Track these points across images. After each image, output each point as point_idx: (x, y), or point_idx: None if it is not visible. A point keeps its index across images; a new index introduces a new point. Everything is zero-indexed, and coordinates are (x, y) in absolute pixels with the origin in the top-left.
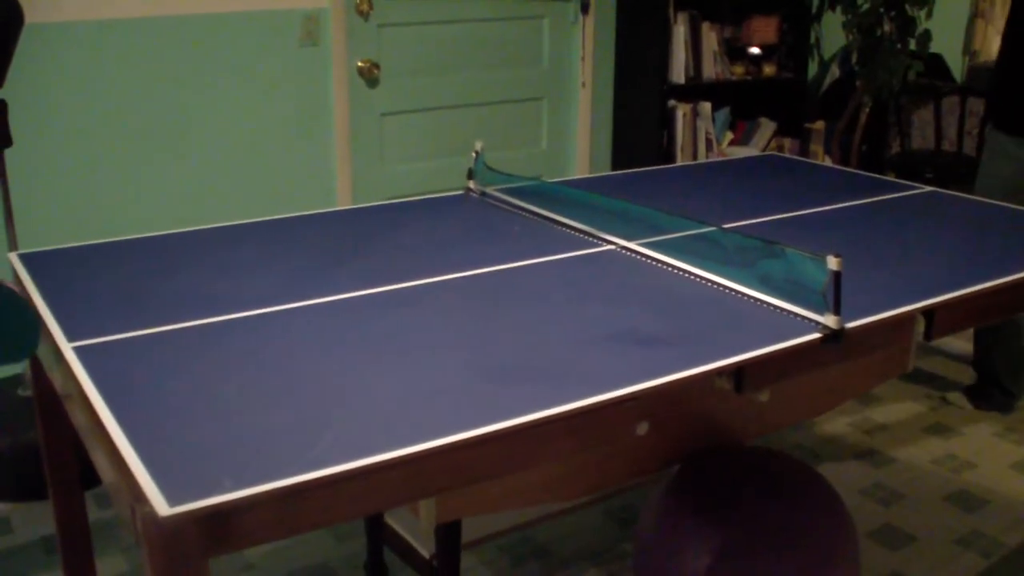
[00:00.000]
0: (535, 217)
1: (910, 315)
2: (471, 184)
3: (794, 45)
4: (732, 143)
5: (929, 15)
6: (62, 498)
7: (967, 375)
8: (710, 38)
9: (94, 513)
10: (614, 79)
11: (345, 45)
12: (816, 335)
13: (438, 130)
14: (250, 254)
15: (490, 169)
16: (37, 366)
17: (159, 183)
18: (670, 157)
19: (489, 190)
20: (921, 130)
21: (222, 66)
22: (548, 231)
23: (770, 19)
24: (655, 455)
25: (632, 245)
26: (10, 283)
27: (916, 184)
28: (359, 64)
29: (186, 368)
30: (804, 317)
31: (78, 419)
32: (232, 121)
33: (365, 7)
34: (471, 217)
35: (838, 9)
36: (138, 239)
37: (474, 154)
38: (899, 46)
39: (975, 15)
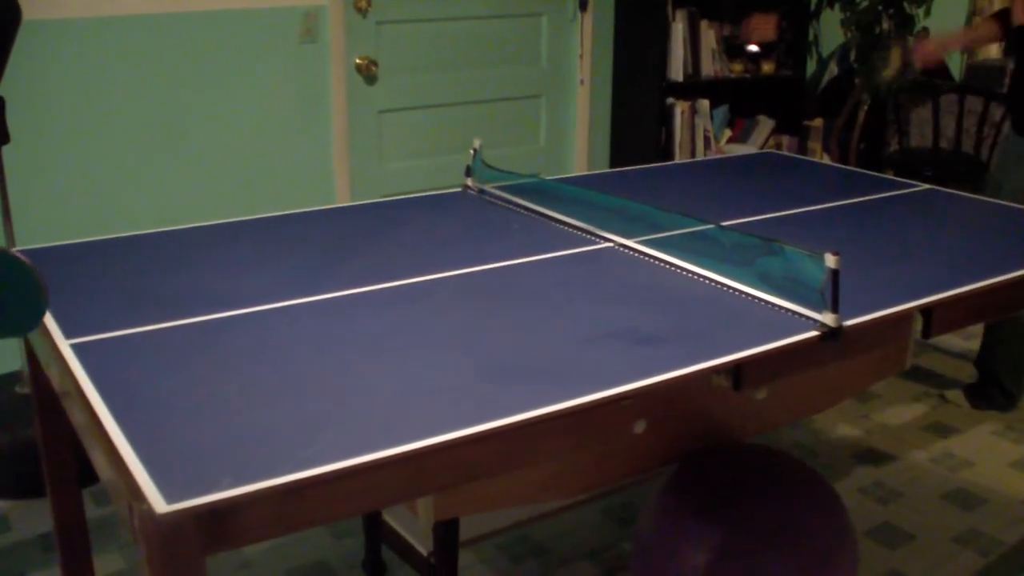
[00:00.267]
0: (533, 215)
1: (908, 313)
2: (469, 181)
3: (793, 43)
4: (730, 141)
5: (927, 13)
6: (60, 496)
7: (965, 373)
8: (709, 36)
9: (92, 511)
10: (612, 76)
11: (343, 42)
12: (814, 333)
13: (436, 127)
14: (248, 251)
15: (488, 167)
16: (35, 363)
17: (157, 180)
18: (668, 155)
19: (487, 187)
20: (919, 128)
21: (220, 63)
22: (546, 229)
23: (769, 17)
24: (653, 453)
25: (630, 243)
26: (16, 251)
27: (914, 182)
28: (357, 61)
29: (184, 365)
30: (802, 315)
31: (76, 417)
32: (230, 118)
33: (363, 4)
34: (469, 215)
35: (837, 7)
36: (135, 236)
37: (472, 151)
38: None
39: (973, 13)
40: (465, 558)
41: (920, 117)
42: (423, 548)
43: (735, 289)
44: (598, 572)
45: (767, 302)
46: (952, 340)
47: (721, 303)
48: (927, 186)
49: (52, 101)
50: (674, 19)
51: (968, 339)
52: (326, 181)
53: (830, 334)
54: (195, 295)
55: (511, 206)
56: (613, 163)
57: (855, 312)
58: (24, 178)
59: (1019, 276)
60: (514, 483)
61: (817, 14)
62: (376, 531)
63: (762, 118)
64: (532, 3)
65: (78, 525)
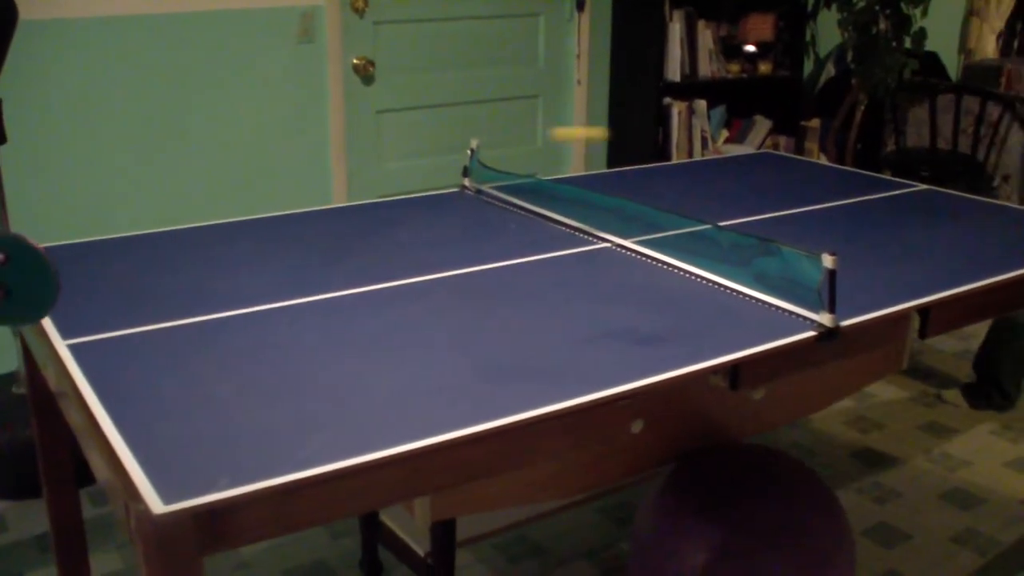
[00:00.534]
0: (530, 215)
1: (905, 313)
2: (466, 182)
3: (790, 43)
4: (728, 141)
5: (924, 13)
6: (57, 496)
7: (963, 373)
8: (706, 36)
9: (89, 511)
10: (610, 77)
11: (340, 42)
12: (811, 333)
13: (433, 127)
14: (245, 251)
15: (485, 167)
16: (31, 363)
17: (154, 180)
18: (666, 155)
19: (484, 188)
20: (916, 128)
21: (218, 63)
22: (543, 229)
23: (766, 17)
24: (650, 453)
25: (627, 243)
26: (31, 240)
27: (911, 182)
28: (354, 61)
29: (181, 366)
30: (799, 315)
31: (72, 417)
32: (227, 118)
33: (361, 4)
34: (466, 215)
35: (834, 7)
36: (133, 236)
37: (469, 152)
38: (895, 44)
39: (970, 13)
40: (462, 558)
41: (917, 117)
42: (420, 548)
43: (732, 289)
44: (596, 572)
45: (764, 302)
46: (949, 340)
47: (718, 303)
48: (924, 186)
49: (49, 101)
50: (671, 19)
51: (965, 339)
52: (323, 181)
53: (827, 334)
54: (192, 295)
55: (508, 206)
56: (610, 163)
57: (852, 312)
58: (21, 178)
59: (1016, 276)
60: (512, 483)
61: (814, 14)
62: (373, 531)
63: (759, 118)
64: (529, 3)
65: (75, 525)
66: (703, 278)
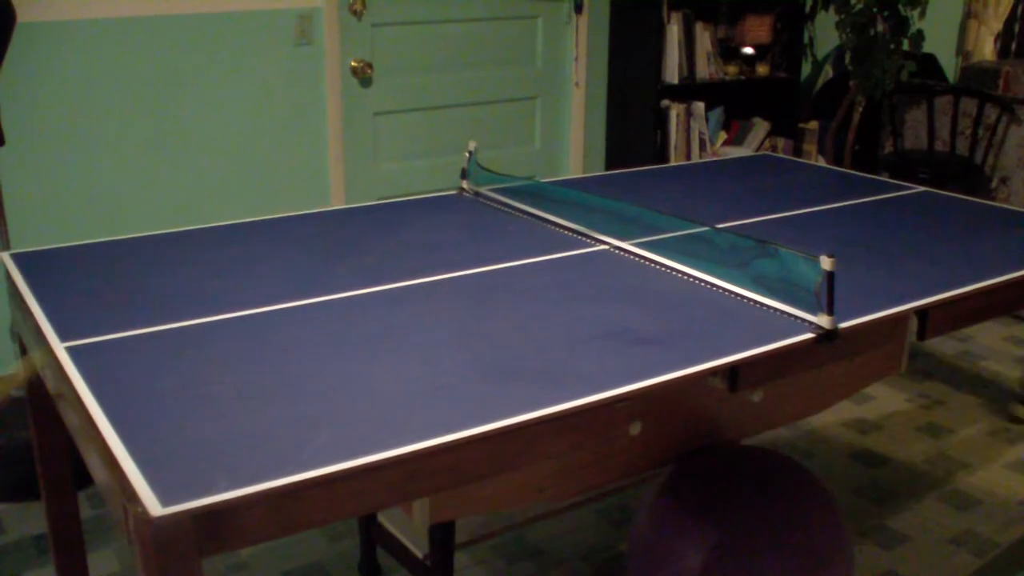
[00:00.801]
0: (528, 217)
1: (903, 315)
2: (464, 184)
3: (788, 45)
4: (726, 143)
5: (922, 15)
6: (55, 498)
7: (961, 374)
8: (704, 38)
9: (87, 512)
10: (608, 79)
11: (338, 44)
12: (809, 335)
13: (431, 130)
14: (243, 254)
15: (483, 169)
16: (30, 365)
17: (152, 182)
18: (664, 157)
19: (482, 190)
20: (914, 130)
21: (216, 65)
22: (542, 231)
23: (764, 19)
24: (649, 455)
25: (626, 245)
26: None
27: (909, 184)
28: (352, 63)
29: (179, 368)
30: (798, 317)
31: (70, 419)
32: (225, 120)
33: (359, 6)
34: (464, 217)
35: (831, 8)
36: (131, 239)
37: (467, 154)
38: (892, 46)
39: (968, 15)
40: (461, 560)
41: (915, 119)
42: (419, 550)
43: (731, 291)
44: (594, 574)
45: (762, 304)
46: (948, 342)
47: (716, 305)
48: (922, 188)
49: (46, 103)
50: (669, 21)
51: (964, 341)
52: (321, 183)
53: (825, 336)
54: (190, 297)
55: (506, 208)
56: (608, 165)
57: (850, 314)
58: (19, 180)
59: (1014, 278)
60: (510, 485)
61: (812, 16)
62: (372, 533)
63: (757, 120)
64: (527, 5)
65: (73, 527)
66: (701, 280)
